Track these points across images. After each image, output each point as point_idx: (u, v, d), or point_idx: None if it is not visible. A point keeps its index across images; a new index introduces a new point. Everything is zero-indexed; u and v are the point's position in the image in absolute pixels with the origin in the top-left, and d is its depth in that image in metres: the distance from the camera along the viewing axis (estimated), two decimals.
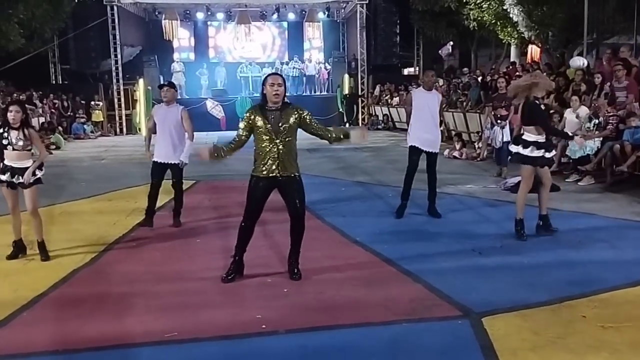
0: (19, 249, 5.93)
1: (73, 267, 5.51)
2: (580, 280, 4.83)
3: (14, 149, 5.64)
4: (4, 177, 5.69)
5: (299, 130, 5.05)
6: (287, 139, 4.93)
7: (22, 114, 5.66)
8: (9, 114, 5.63)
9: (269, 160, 4.91)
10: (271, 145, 4.90)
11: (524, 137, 6.12)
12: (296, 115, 4.94)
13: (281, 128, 4.89)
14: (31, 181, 5.68)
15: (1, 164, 5.70)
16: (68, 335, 4.04)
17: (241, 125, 5.04)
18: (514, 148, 6.26)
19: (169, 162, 6.88)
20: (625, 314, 4.16)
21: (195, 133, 7.00)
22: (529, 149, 6.04)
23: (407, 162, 7.27)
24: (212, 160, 5.20)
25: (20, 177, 5.66)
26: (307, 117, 5.01)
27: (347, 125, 23.49)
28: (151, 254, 6.05)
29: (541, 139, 6.05)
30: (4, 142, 5.63)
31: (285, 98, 5.04)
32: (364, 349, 3.73)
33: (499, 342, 3.73)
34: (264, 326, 4.07)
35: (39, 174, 5.77)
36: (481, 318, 4.09)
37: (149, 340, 3.92)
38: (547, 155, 6.13)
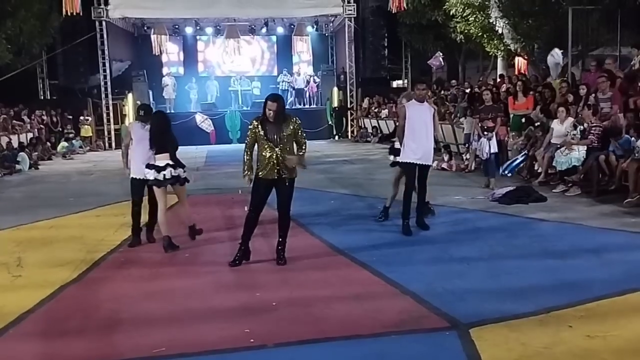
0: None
1: (60, 284, 5.47)
2: (567, 290, 4.85)
3: None
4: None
5: None
6: (285, 147, 5.74)
7: None
8: None
9: (270, 165, 5.71)
10: (271, 153, 5.70)
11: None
12: (292, 125, 5.77)
13: (280, 138, 5.69)
14: None
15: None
16: (55, 351, 4.01)
17: (248, 138, 5.85)
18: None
19: (148, 178, 6.85)
20: (612, 323, 4.19)
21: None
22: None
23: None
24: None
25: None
26: (298, 126, 5.83)
27: (337, 138, 23.61)
28: (139, 269, 6.03)
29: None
30: None
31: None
32: None
33: (486, 353, 3.74)
34: (252, 340, 4.06)
35: None
36: (469, 329, 4.11)
37: (136, 355, 3.90)
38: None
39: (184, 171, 6.75)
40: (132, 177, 6.89)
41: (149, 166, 6.57)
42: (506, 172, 11.16)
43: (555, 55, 10.63)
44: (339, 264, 5.97)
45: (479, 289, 5.02)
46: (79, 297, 5.18)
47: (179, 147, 6.82)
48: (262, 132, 5.69)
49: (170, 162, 6.57)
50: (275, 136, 5.68)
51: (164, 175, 6.53)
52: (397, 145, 7.56)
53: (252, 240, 6.02)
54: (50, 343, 4.16)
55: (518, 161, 11.25)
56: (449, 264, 5.78)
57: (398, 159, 7.41)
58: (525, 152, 11.19)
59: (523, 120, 11.70)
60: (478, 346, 3.85)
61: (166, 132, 6.69)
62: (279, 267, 5.79)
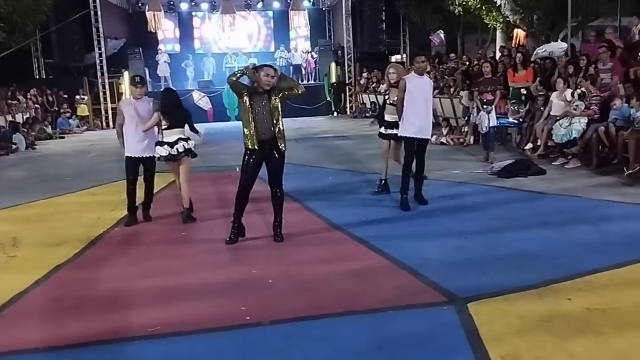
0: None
1: (56, 263, 5.44)
2: (566, 263, 4.82)
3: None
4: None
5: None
6: (273, 118, 5.56)
7: None
8: None
9: (258, 139, 5.55)
10: (259, 127, 5.54)
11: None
12: (278, 92, 5.59)
13: (270, 108, 5.54)
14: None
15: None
16: (50, 332, 3.98)
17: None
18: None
19: (144, 156, 6.80)
20: (611, 295, 4.15)
21: None
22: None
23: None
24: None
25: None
26: (282, 77, 5.70)
27: (335, 114, 23.43)
28: (136, 248, 5.99)
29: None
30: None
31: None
32: (349, 337, 3.70)
33: (484, 327, 3.71)
34: (248, 317, 4.03)
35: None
36: (466, 303, 4.07)
37: (132, 335, 3.87)
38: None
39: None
40: (127, 156, 6.83)
41: (159, 143, 6.66)
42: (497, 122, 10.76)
43: None
44: (336, 240, 5.92)
45: (477, 263, 4.98)
46: (75, 277, 5.14)
47: None
48: (249, 101, 5.52)
49: (182, 136, 6.70)
50: (266, 106, 5.53)
51: (177, 149, 6.64)
52: (387, 117, 7.70)
53: (248, 217, 5.97)
54: (45, 324, 4.12)
55: (509, 121, 11.23)
56: (446, 239, 5.74)
57: (396, 132, 7.32)
58: (520, 119, 11.11)
59: (524, 92, 11.57)
60: (476, 320, 3.81)
61: (180, 106, 6.89)
62: (275, 244, 5.76)
